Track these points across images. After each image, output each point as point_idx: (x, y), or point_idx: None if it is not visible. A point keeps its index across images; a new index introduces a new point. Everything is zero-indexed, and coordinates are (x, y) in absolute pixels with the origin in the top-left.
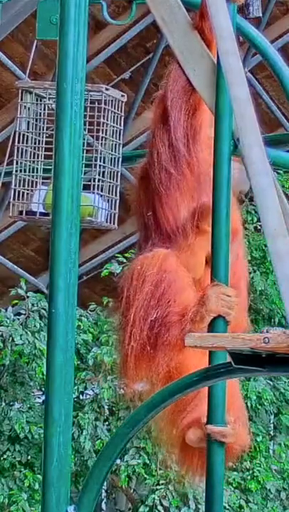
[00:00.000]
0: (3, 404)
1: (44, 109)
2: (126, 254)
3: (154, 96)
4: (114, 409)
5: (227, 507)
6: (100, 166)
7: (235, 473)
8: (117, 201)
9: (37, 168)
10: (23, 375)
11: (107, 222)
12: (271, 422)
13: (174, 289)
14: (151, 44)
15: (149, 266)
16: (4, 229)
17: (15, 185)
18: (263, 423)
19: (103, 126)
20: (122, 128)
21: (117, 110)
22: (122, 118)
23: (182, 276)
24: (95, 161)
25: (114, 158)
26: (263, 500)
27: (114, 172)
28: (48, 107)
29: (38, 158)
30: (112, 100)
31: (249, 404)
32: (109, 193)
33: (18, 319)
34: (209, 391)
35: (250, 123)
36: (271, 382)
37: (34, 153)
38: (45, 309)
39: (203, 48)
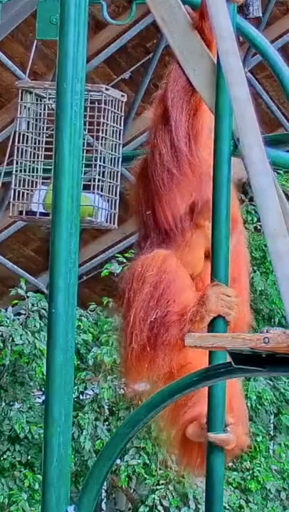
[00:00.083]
0: (3, 404)
1: (44, 109)
2: (126, 254)
3: (153, 96)
4: (114, 409)
5: (227, 507)
6: (100, 166)
7: (235, 473)
8: (117, 201)
9: (37, 168)
10: (23, 375)
11: (107, 222)
12: (271, 422)
13: (173, 289)
14: (151, 44)
15: (148, 267)
16: (4, 229)
17: (15, 185)
18: (263, 423)
19: (103, 126)
20: (122, 128)
21: (117, 110)
22: (122, 118)
23: (182, 277)
24: (95, 161)
25: (114, 158)
26: (263, 500)
27: (114, 172)
28: (48, 107)
29: (38, 158)
30: (112, 100)
31: (249, 404)
32: (109, 193)
33: (18, 319)
34: (209, 391)
35: (250, 123)
36: (271, 382)
37: (34, 153)
38: (45, 309)
39: (203, 47)
